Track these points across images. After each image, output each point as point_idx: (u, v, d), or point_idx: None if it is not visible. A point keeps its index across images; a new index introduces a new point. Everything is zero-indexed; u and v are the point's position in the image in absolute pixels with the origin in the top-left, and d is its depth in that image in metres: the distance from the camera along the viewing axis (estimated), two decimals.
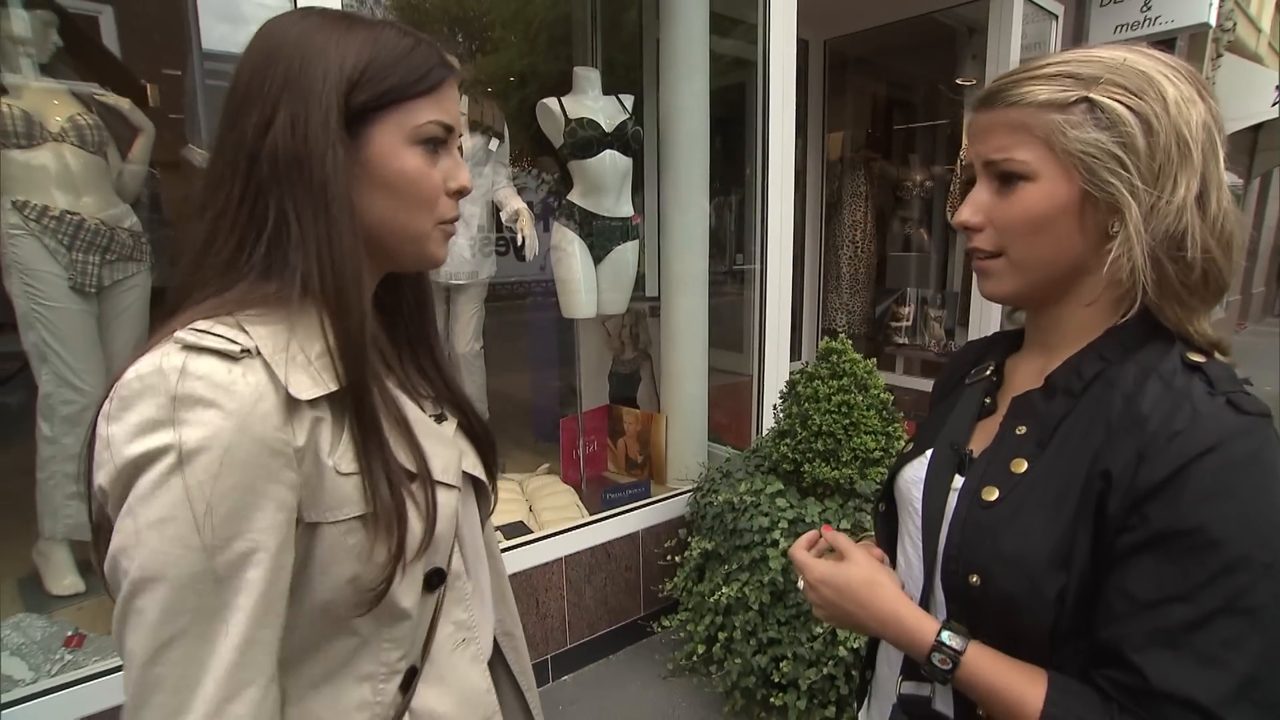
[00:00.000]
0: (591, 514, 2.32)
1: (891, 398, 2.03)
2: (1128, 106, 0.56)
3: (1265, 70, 6.96)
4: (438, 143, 0.59)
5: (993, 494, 0.62)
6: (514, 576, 2.02)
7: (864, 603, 0.66)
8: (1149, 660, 0.51)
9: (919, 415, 3.86)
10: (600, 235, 2.43)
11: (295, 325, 0.53)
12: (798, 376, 2.08)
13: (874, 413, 1.97)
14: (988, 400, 0.72)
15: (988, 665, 0.59)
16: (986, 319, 3.87)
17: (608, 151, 2.34)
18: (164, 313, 0.55)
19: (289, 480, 0.50)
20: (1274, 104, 5.95)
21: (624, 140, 2.36)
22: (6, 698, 1.42)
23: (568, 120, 2.31)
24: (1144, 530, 0.52)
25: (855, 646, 1.66)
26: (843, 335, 2.08)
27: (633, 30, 3.26)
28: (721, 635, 1.92)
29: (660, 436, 2.69)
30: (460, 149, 0.64)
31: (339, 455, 0.53)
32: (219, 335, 0.49)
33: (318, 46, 0.54)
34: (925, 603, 0.67)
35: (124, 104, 2.02)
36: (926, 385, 4.24)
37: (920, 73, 4.77)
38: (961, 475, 0.67)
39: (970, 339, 3.96)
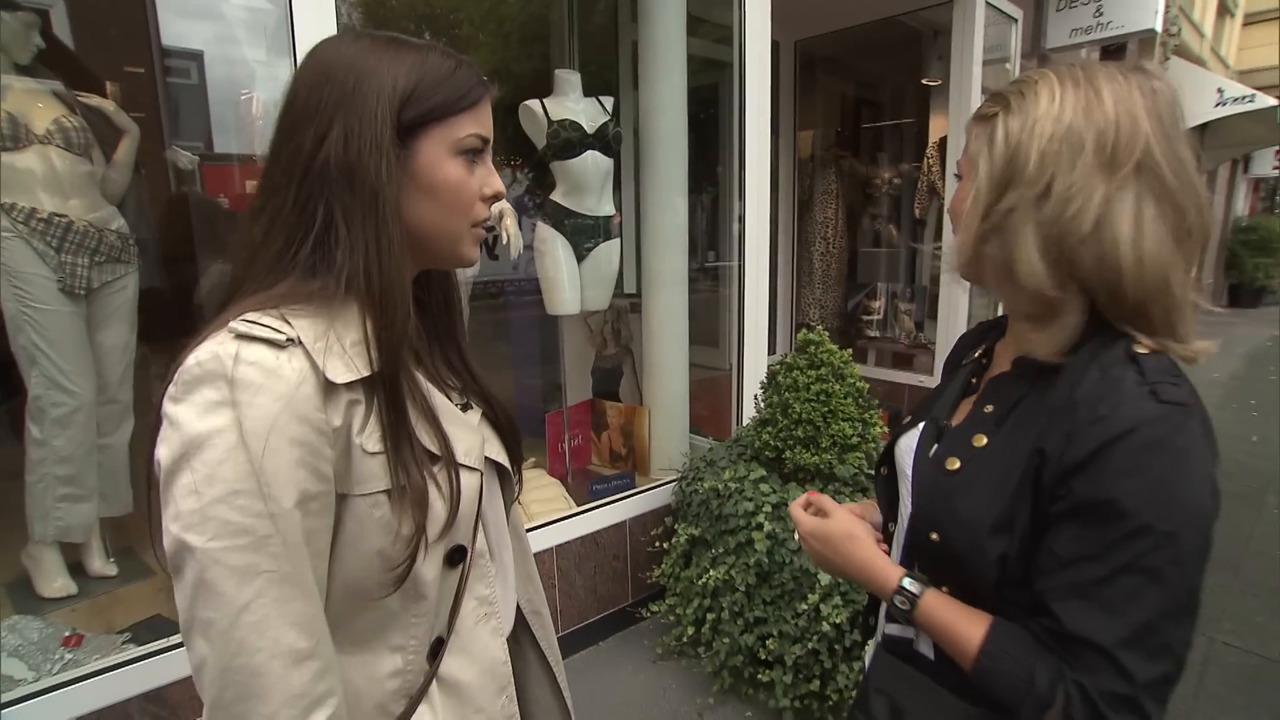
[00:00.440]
0: (579, 505, 2.38)
1: (867, 386, 2.12)
2: (1021, 123, 0.65)
3: (1208, 73, 7.29)
4: (475, 153, 0.65)
5: (955, 464, 0.70)
6: None
7: (842, 552, 0.78)
8: (1066, 609, 0.60)
9: (890, 405, 3.98)
10: (583, 234, 2.49)
11: (334, 318, 0.59)
12: (778, 367, 2.16)
13: (851, 400, 2.06)
14: (973, 380, 0.80)
15: (940, 608, 0.68)
16: (955, 311, 4.00)
17: (589, 152, 2.40)
18: (218, 305, 0.61)
19: (328, 455, 0.55)
20: (1216, 105, 6.24)
21: (605, 141, 2.42)
22: (7, 696, 1.44)
23: (550, 122, 2.36)
24: (1069, 500, 0.61)
25: (837, 621, 1.76)
26: (819, 328, 2.16)
27: (608, 31, 3.32)
28: (709, 617, 2.00)
29: (643, 429, 2.75)
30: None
31: (366, 435, 0.58)
32: (267, 325, 0.55)
33: (370, 67, 0.60)
34: (910, 555, 0.76)
35: (108, 106, 2.02)
36: (898, 376, 4.37)
37: (888, 73, 4.90)
38: (939, 445, 0.75)
39: (940, 332, 4.11)
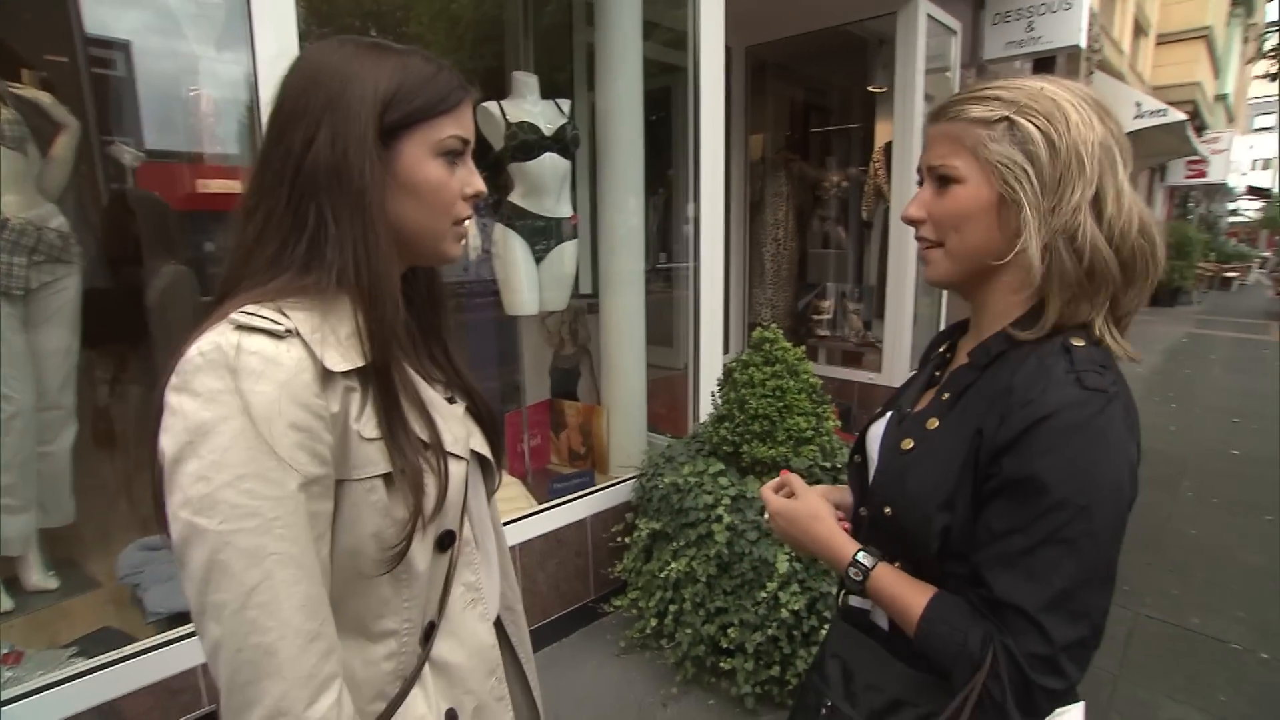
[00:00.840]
0: (540, 504, 2.40)
1: (820, 381, 2.20)
2: (1038, 127, 0.69)
3: (1128, 88, 7.78)
4: (456, 154, 0.68)
5: (909, 444, 0.76)
6: None
7: (806, 530, 0.84)
8: (995, 577, 0.66)
9: (841, 401, 4.10)
10: (540, 235, 2.50)
11: (328, 311, 0.61)
12: (734, 364, 2.22)
13: (805, 396, 2.14)
14: (937, 373, 0.86)
15: (889, 580, 0.74)
16: (901, 311, 4.15)
17: (547, 154, 2.42)
18: (215, 300, 0.63)
19: (327, 440, 0.58)
20: (1135, 117, 6.66)
21: (563, 143, 2.44)
22: None
23: (508, 124, 2.38)
24: (999, 478, 0.66)
25: (795, 608, 1.82)
26: (774, 326, 2.23)
27: (562, 33, 3.34)
28: (671, 609, 2.05)
29: (602, 428, 2.78)
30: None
31: (363, 422, 0.61)
32: (266, 317, 0.57)
33: (354, 71, 0.62)
34: (873, 534, 0.82)
35: (44, 98, 1.95)
36: (848, 374, 4.49)
37: (835, 79, 5.03)
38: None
39: (888, 331, 4.25)
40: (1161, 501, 3.80)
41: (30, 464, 1.87)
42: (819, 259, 5.01)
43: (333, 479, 0.59)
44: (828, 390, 2.27)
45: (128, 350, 2.23)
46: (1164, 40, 14.10)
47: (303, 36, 1.59)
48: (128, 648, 1.55)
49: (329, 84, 0.62)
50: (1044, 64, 4.20)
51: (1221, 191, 19.81)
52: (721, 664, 1.97)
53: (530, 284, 2.50)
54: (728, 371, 2.24)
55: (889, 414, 0.86)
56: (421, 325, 0.78)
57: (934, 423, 0.76)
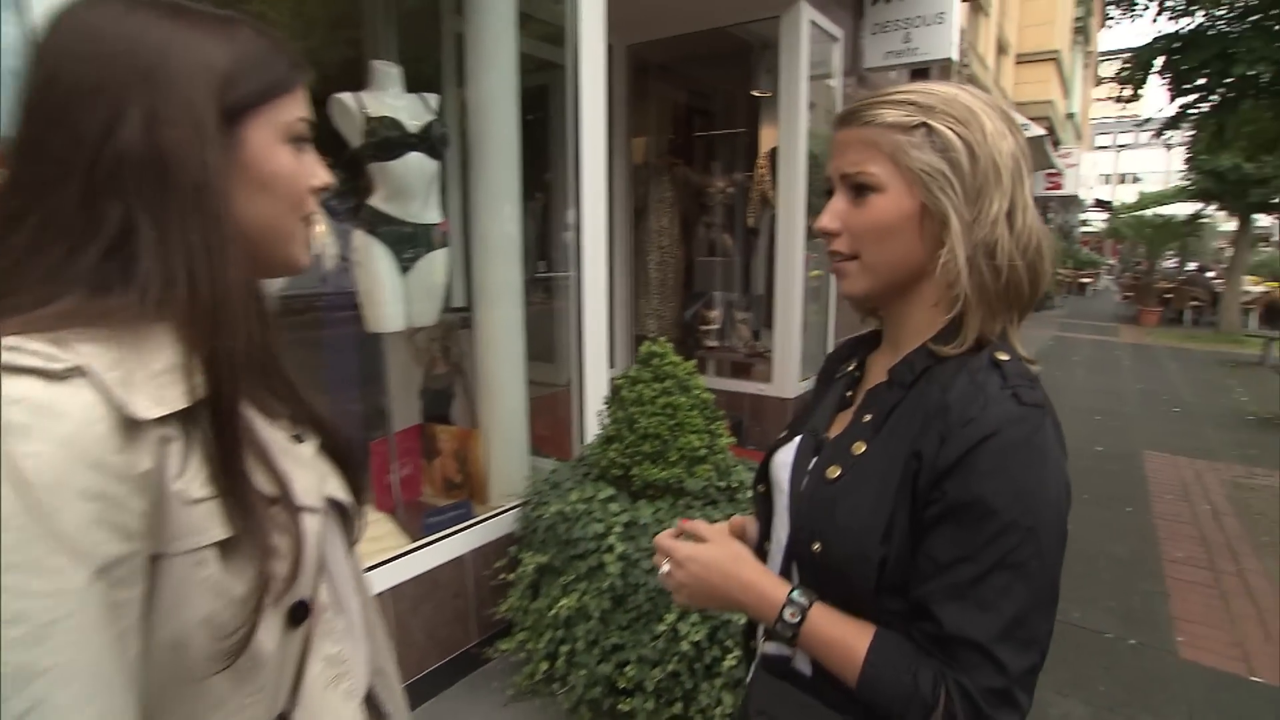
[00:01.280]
0: (412, 541, 2.28)
1: (713, 397, 2.24)
2: (957, 134, 0.70)
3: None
4: (304, 140, 0.62)
5: (835, 472, 0.74)
6: None
7: (728, 574, 0.78)
8: (944, 610, 0.65)
9: (732, 414, 4.22)
10: (406, 243, 2.40)
11: (136, 341, 0.52)
12: (622, 381, 2.22)
13: (697, 412, 2.17)
14: (849, 393, 0.85)
15: (826, 620, 0.72)
16: (790, 319, 4.31)
17: (413, 154, 2.33)
18: None
19: (135, 508, 0.48)
20: None
21: (430, 142, 2.36)
22: None
23: (367, 119, 2.26)
24: (943, 503, 0.66)
25: (696, 640, 1.83)
26: (663, 339, 2.26)
27: (429, 21, 3.24)
28: (563, 649, 2.00)
29: (479, 453, 2.70)
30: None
31: (188, 479, 0.51)
32: (35, 352, 0.46)
33: (171, 40, 0.54)
34: (786, 570, 0.81)
35: None
36: (738, 386, 4.59)
37: (719, 82, 5.20)
38: (818, 458, 0.80)
39: (776, 340, 4.42)
40: None
41: None
42: (705, 267, 5.12)
43: (143, 555, 0.49)
44: (718, 404, 2.31)
45: None
46: (1022, 60, 15.75)
47: None
48: None
49: (132, 53, 0.52)
50: (920, 75, 4.56)
51: (1074, 203, 22.36)
52: (620, 705, 1.95)
53: (396, 297, 2.39)
54: (615, 389, 2.23)
55: (798, 438, 0.85)
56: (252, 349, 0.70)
57: (860, 447, 0.74)
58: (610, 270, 2.87)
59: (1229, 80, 3.59)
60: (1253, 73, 3.42)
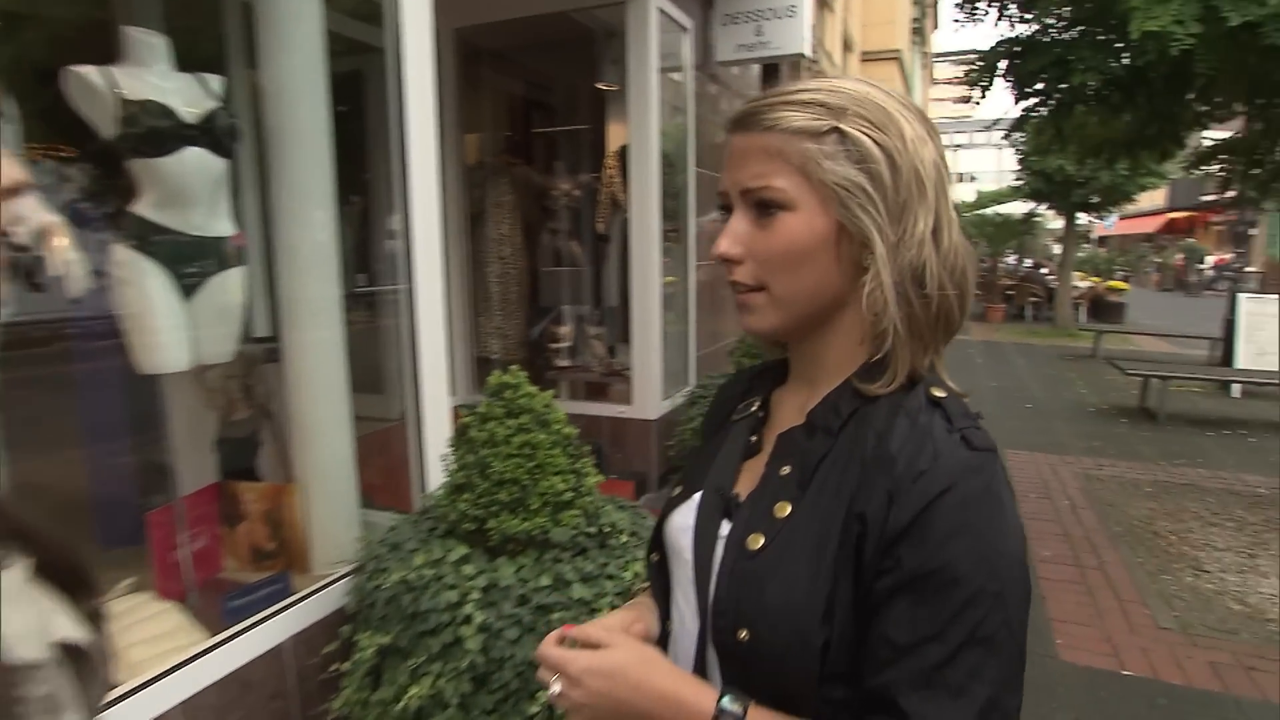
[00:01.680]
0: (211, 634, 2.02)
1: (576, 430, 2.16)
2: (874, 141, 0.67)
3: None
4: None
5: (758, 541, 0.69)
6: None
7: (639, 683, 0.68)
8: (910, 702, 0.61)
9: (592, 440, 4.17)
10: (187, 260, 2.13)
11: None
12: (470, 419, 2.10)
13: (559, 450, 2.08)
14: (753, 438, 0.80)
15: None
16: (649, 333, 4.35)
17: (191, 149, 2.06)
18: None
19: None
20: None
21: (214, 135, 2.11)
22: None
23: (125, 102, 1.98)
24: (898, 573, 0.62)
25: None
26: (515, 368, 2.16)
27: None
28: None
29: (297, 513, 2.47)
30: None
31: None
32: None
33: None
34: (700, 659, 0.74)
35: None
36: (595, 409, 4.59)
37: (560, 73, 5.19)
38: (729, 521, 0.74)
39: (635, 356, 4.42)
40: None
41: None
42: (552, 279, 5.10)
43: None
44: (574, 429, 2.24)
45: None
46: (867, 58, 17.13)
47: None
48: None
49: None
50: (771, 70, 4.77)
51: None
52: None
53: (174, 328, 2.12)
54: (462, 429, 2.10)
55: (697, 496, 0.79)
56: None
57: (785, 509, 0.69)
58: (446, 284, 2.75)
59: (1064, 86, 4.05)
60: (1083, 80, 3.86)
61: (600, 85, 4.72)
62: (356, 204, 3.67)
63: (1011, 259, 23.03)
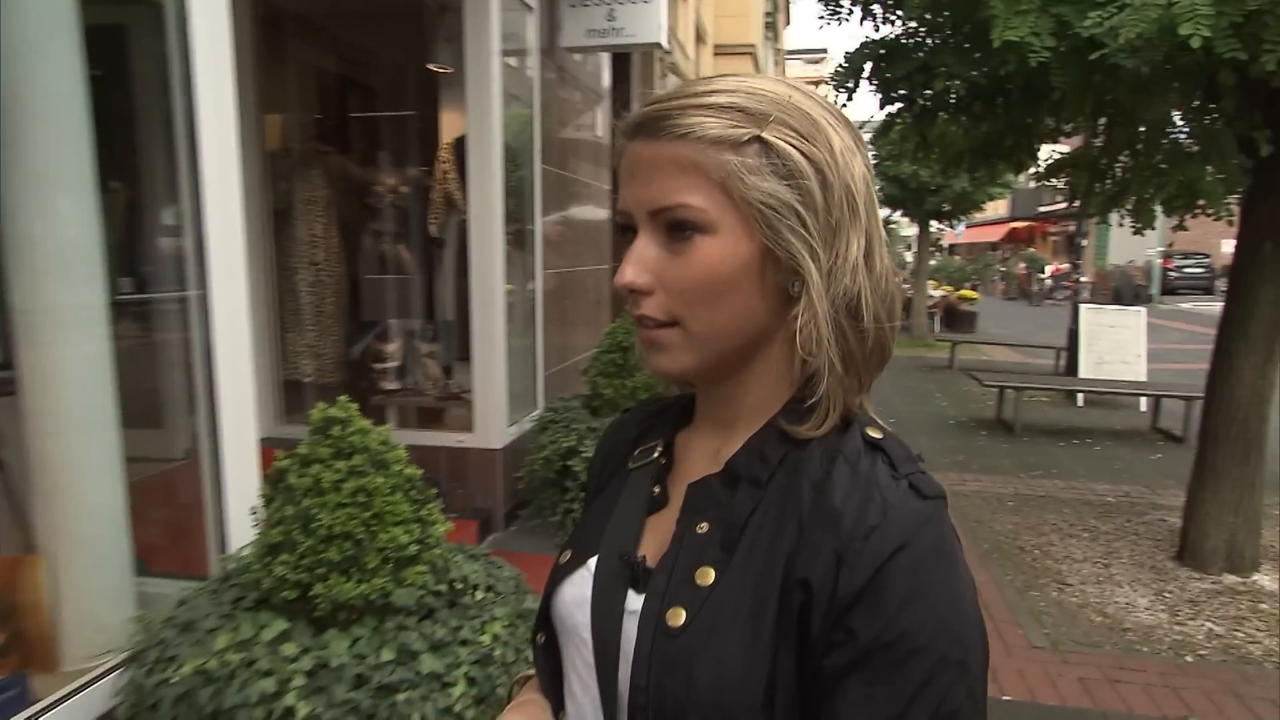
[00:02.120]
0: None
1: (420, 471, 2.08)
2: (801, 152, 0.64)
3: None
4: None
5: (679, 616, 0.65)
6: None
7: None
8: None
9: (429, 475, 4.03)
10: None
11: None
12: (289, 463, 1.96)
13: (401, 496, 1.98)
14: (657, 490, 0.77)
15: None
16: (492, 350, 4.32)
17: None
18: None
19: None
20: None
21: None
22: None
23: None
24: (851, 647, 0.60)
25: None
26: (344, 399, 2.05)
27: None
28: None
29: (40, 591, 2.21)
30: None
31: None
32: None
33: None
34: None
35: None
36: (430, 438, 4.50)
37: (383, 49, 5.10)
38: (638, 592, 0.69)
39: (476, 377, 4.30)
40: None
41: None
42: (375, 288, 5.01)
43: None
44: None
45: None
46: (720, 51, 18.00)
47: None
48: None
49: None
50: (622, 60, 4.83)
51: None
52: None
53: None
54: (278, 475, 1.95)
55: (592, 561, 0.75)
56: None
57: (709, 575, 0.66)
58: (250, 289, 2.58)
59: (929, 92, 4.34)
60: (946, 87, 4.16)
61: (432, 66, 4.64)
62: (119, 193, 3.35)
63: None
